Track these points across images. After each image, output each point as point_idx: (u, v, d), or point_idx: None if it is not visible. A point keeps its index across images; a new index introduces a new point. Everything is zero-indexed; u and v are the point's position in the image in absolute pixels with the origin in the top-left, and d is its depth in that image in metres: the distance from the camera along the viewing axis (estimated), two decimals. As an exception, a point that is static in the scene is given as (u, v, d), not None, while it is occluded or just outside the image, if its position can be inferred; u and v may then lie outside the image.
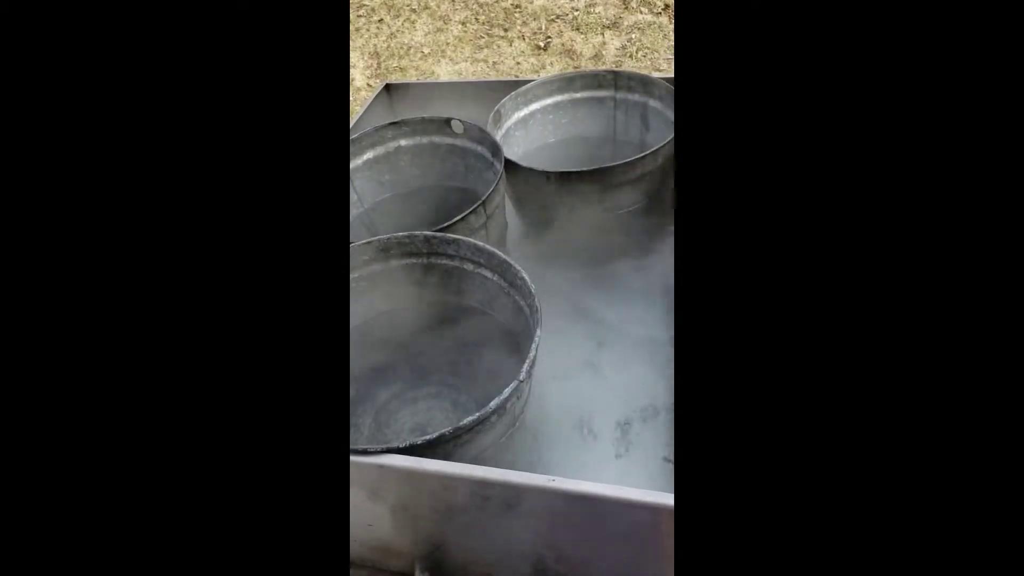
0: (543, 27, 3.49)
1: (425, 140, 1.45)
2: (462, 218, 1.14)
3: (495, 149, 1.31)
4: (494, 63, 3.30)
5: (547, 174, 1.30)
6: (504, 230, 1.35)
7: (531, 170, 1.31)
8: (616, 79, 1.53)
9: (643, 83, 1.49)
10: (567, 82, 1.57)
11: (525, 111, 1.57)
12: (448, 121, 1.40)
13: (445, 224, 1.13)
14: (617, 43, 3.32)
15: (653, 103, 1.48)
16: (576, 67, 3.16)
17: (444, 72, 3.27)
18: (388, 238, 1.12)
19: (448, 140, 1.43)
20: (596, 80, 1.56)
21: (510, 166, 1.32)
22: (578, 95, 1.58)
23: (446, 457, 0.84)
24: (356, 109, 2.41)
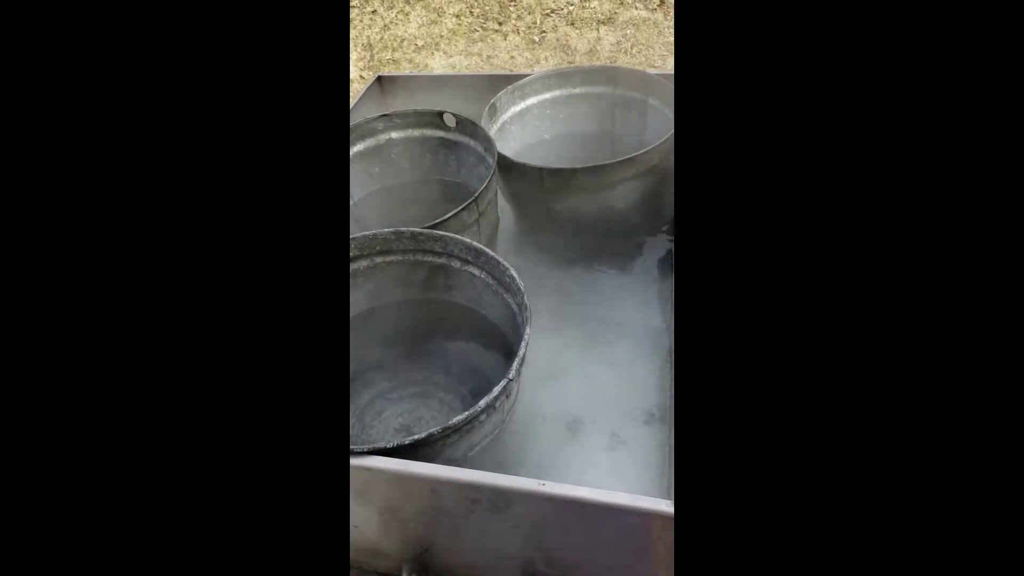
0: (538, 21, 3.47)
1: (416, 133, 1.43)
2: (454, 214, 1.12)
3: (488, 144, 1.29)
4: (488, 57, 3.28)
5: (540, 170, 1.29)
6: (496, 226, 1.34)
7: (524, 166, 1.29)
8: (616, 75, 1.52)
9: (643, 80, 1.48)
10: (565, 77, 1.55)
11: (522, 105, 1.55)
12: (440, 114, 1.38)
13: (437, 220, 1.11)
14: (612, 39, 3.30)
15: (652, 101, 1.46)
16: (570, 62, 3.14)
17: (438, 65, 3.24)
18: (374, 234, 1.11)
19: (440, 134, 1.41)
20: (595, 76, 1.54)
21: (503, 161, 1.30)
22: (576, 91, 1.56)
23: (434, 456, 0.82)
24: (347, 101, 2.38)
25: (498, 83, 1.53)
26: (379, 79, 1.69)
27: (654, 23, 3.36)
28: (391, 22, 3.54)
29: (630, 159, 1.24)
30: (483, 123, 1.37)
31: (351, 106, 1.58)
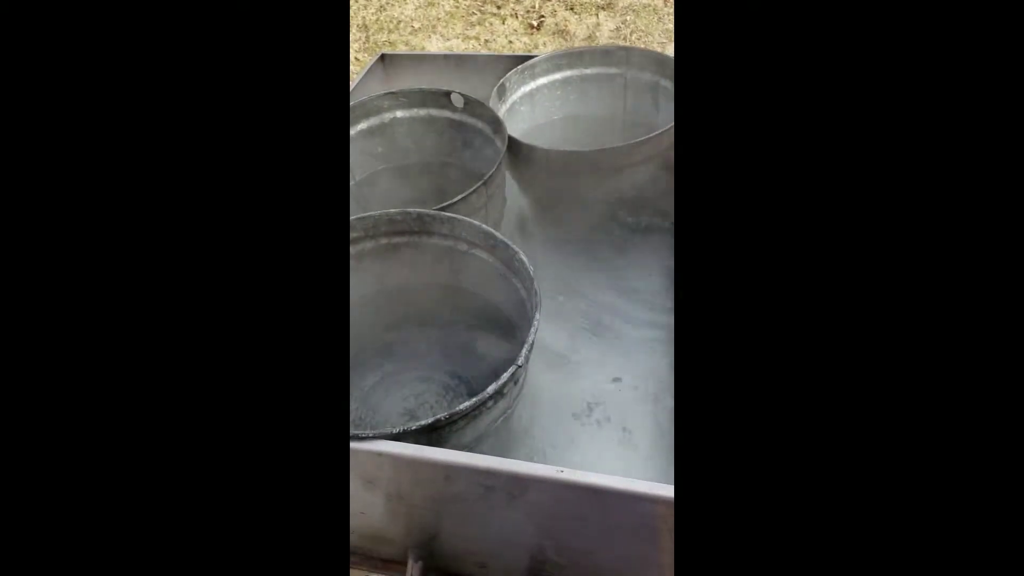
0: (536, 6, 3.43)
1: (423, 112, 1.40)
2: (463, 198, 1.09)
3: (497, 125, 1.26)
4: (486, 41, 3.24)
5: (549, 152, 1.26)
6: (503, 209, 1.31)
7: (533, 148, 1.27)
8: (628, 56, 1.49)
9: (655, 62, 1.45)
10: (576, 57, 1.52)
11: (531, 85, 1.52)
12: (448, 94, 1.35)
13: (445, 204, 1.09)
14: (611, 24, 3.27)
15: (664, 83, 1.44)
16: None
17: (434, 48, 3.20)
18: (379, 215, 1.08)
19: (447, 114, 1.38)
20: (607, 57, 1.51)
21: (512, 143, 1.27)
22: (588, 71, 1.53)
23: (439, 442, 0.81)
24: (345, 81, 2.34)
25: (504, 64, 1.50)
26: (382, 57, 1.65)
27: (654, 9, 3.34)
28: (387, 3, 3.49)
29: (641, 142, 1.22)
30: (491, 104, 1.34)
31: (353, 86, 1.55)
